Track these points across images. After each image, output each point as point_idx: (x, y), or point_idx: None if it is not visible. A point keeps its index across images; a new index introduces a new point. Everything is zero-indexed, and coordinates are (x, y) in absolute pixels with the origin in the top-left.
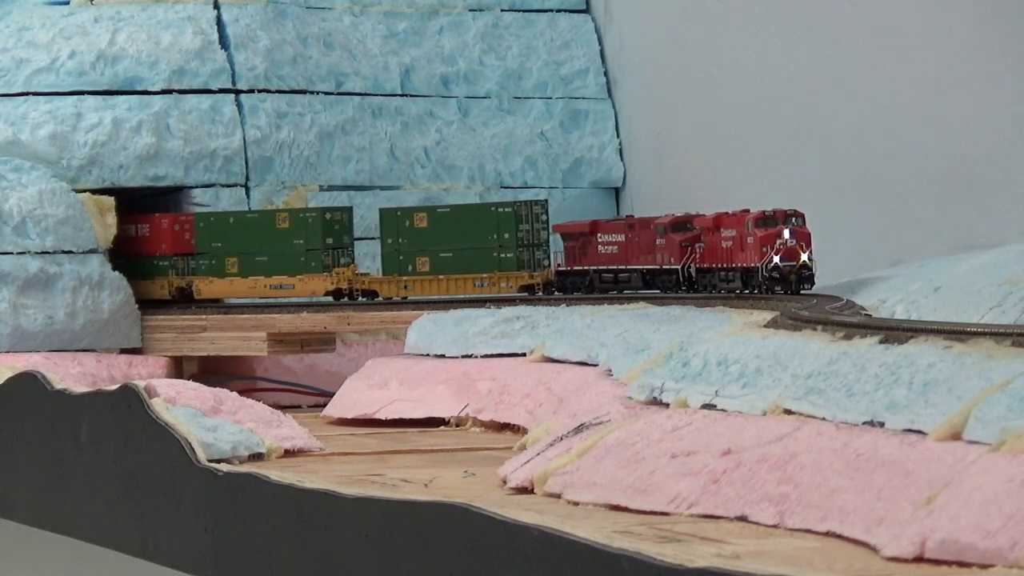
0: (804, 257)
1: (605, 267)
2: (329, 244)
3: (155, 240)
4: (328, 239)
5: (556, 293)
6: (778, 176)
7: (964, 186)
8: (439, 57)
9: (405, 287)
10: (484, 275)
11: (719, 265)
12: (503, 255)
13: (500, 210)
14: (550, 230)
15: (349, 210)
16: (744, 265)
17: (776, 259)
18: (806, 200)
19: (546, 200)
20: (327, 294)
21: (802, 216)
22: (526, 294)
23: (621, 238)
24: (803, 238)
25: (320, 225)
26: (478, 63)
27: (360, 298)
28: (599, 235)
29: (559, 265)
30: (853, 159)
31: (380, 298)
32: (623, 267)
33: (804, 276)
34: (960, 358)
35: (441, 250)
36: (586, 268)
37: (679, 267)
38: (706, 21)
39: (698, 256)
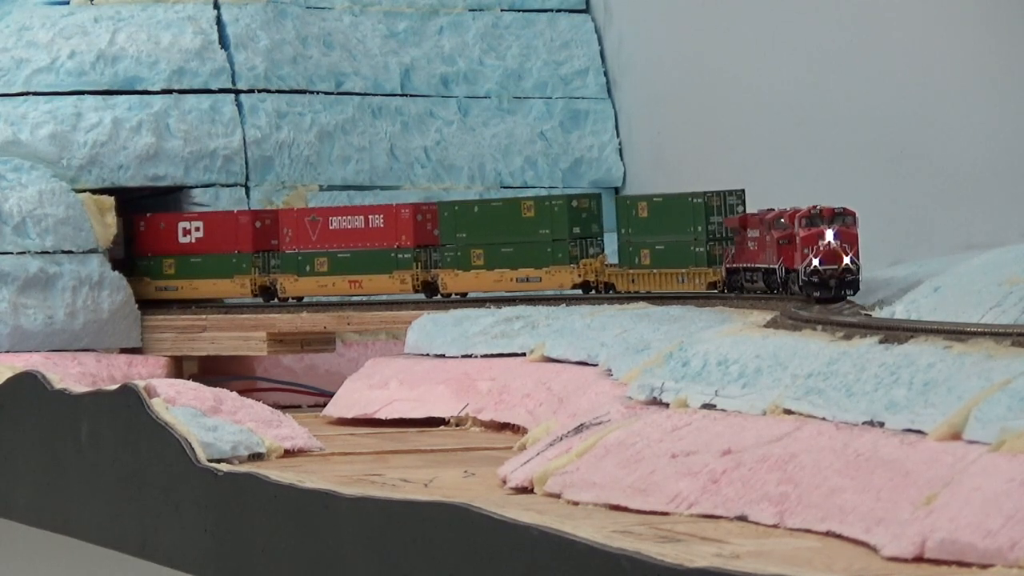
0: (847, 260)
1: (747, 265)
2: (576, 234)
3: (392, 231)
4: (575, 228)
5: (725, 292)
6: (779, 176)
7: (964, 186)
8: (439, 57)
9: (632, 281)
10: (683, 270)
11: (790, 266)
12: (697, 249)
13: (693, 200)
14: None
15: (597, 197)
16: (794, 267)
17: (816, 262)
18: (806, 200)
19: (743, 190)
20: (574, 287)
21: (852, 215)
22: (714, 291)
23: (757, 234)
24: (848, 239)
25: (566, 213)
26: (478, 63)
27: (604, 291)
28: (748, 230)
29: (730, 262)
30: (853, 159)
31: (618, 291)
32: (754, 265)
33: (846, 281)
34: (960, 358)
35: (657, 242)
36: (738, 266)
37: (775, 267)
38: (706, 20)
39: (786, 256)
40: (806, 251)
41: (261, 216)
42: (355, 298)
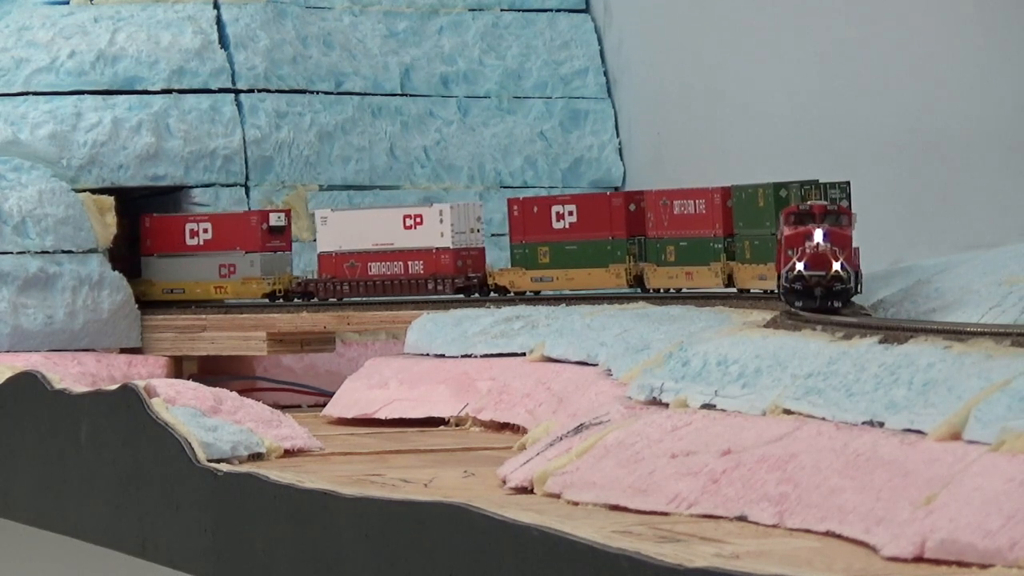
0: (836, 267)
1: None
2: None
3: (709, 217)
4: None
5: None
6: (779, 176)
7: (964, 186)
8: (439, 57)
9: None
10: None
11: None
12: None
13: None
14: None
15: (814, 184)
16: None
17: (799, 266)
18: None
19: (848, 182)
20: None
21: (848, 214)
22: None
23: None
24: (841, 242)
25: (772, 204)
26: (478, 63)
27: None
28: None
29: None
30: (854, 160)
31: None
32: None
33: (835, 291)
34: (960, 358)
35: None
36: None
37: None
38: (706, 20)
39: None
40: (790, 253)
41: (635, 198)
42: (353, 297)
